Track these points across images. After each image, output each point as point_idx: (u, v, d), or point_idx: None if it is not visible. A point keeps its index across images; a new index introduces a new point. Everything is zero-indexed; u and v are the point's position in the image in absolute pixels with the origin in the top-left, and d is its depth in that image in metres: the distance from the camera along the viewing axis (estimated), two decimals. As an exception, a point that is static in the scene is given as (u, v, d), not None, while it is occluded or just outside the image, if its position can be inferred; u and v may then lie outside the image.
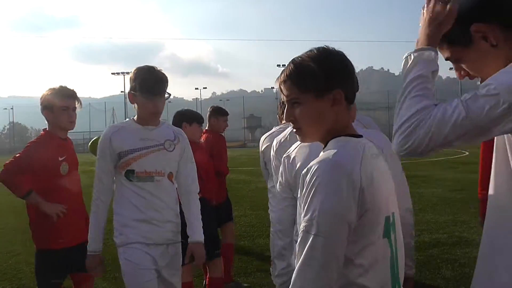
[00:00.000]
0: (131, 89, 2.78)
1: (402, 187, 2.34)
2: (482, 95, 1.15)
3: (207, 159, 4.68)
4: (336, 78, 1.43)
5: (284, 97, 1.50)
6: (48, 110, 3.30)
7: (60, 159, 3.24)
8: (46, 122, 3.37)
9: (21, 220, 9.17)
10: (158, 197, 2.80)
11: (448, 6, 1.31)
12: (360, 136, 1.48)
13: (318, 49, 1.47)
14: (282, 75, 1.50)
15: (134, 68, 2.82)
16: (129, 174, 2.77)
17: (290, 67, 1.48)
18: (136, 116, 2.87)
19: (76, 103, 3.37)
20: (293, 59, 1.49)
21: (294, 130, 1.52)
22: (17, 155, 3.29)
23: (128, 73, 71.24)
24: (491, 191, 1.35)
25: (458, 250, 5.87)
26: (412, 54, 1.33)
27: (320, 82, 1.42)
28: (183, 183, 2.95)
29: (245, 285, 5.10)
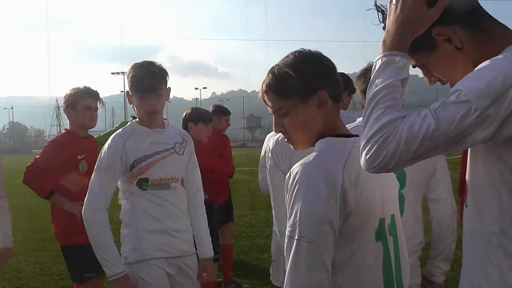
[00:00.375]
0: (129, 88, 2.57)
1: (446, 190, 2.35)
2: (452, 102, 1.06)
3: (216, 159, 4.67)
4: (316, 79, 1.40)
5: (270, 109, 1.47)
6: (70, 109, 3.37)
7: (79, 157, 3.27)
8: (68, 121, 3.44)
9: (21, 220, 9.18)
10: (176, 205, 2.59)
11: (433, 9, 1.16)
12: (353, 135, 1.45)
13: (294, 53, 1.44)
14: (263, 86, 1.47)
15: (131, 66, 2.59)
16: (142, 183, 2.52)
17: (269, 77, 1.44)
18: (137, 118, 2.65)
19: (98, 103, 3.45)
20: (271, 69, 1.46)
21: (286, 139, 1.49)
22: (38, 156, 3.36)
23: (128, 73, 71.23)
24: (468, 197, 1.25)
25: (458, 251, 5.81)
26: (381, 59, 1.19)
27: (301, 87, 1.39)
28: (190, 189, 2.73)
29: (245, 286, 5.10)
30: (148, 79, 2.47)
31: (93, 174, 2.55)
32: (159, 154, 2.56)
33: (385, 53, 1.19)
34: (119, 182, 2.59)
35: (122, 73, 74.13)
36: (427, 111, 1.08)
